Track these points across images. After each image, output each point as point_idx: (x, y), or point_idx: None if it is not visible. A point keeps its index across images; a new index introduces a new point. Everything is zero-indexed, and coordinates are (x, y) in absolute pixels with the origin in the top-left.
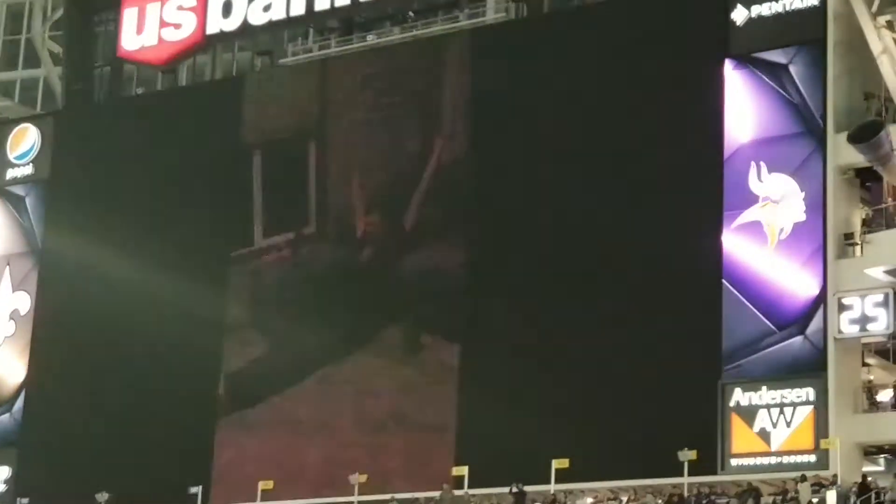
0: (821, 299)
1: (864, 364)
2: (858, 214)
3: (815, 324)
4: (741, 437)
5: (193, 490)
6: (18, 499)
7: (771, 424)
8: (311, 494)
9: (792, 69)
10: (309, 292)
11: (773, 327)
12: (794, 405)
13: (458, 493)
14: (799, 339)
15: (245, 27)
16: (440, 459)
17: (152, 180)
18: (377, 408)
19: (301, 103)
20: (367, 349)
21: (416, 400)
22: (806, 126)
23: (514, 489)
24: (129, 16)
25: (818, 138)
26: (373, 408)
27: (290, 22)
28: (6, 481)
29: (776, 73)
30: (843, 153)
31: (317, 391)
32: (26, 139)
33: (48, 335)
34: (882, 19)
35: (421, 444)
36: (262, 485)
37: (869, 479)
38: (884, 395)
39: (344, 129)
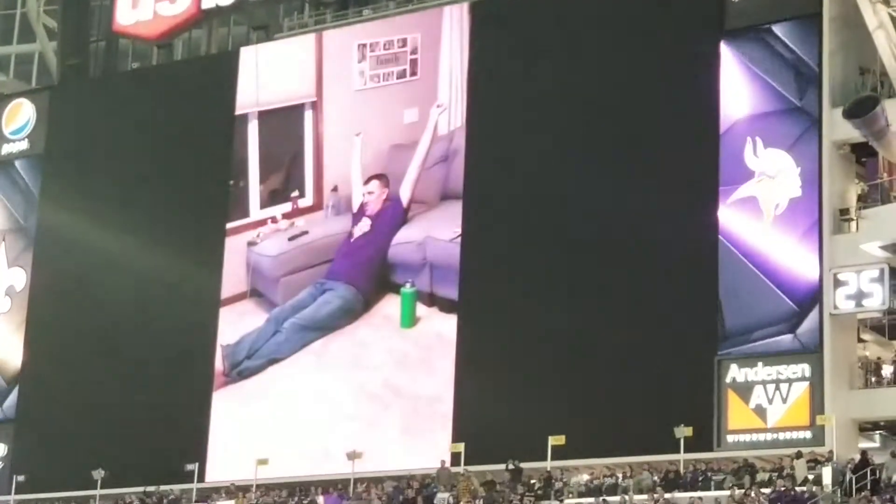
0: (815, 300)
1: (860, 340)
2: (854, 190)
3: (808, 324)
4: (737, 414)
5: (190, 467)
6: (15, 476)
7: (767, 401)
8: (307, 468)
9: (787, 44)
10: (305, 263)
11: (768, 293)
12: (789, 381)
13: (454, 469)
14: (789, 337)
15: (240, 1)
16: (437, 433)
17: (148, 155)
18: (373, 380)
19: (297, 75)
20: (363, 321)
21: (413, 372)
22: (801, 101)
23: (511, 466)
24: None
25: (814, 114)
26: (369, 380)
27: None
28: (3, 458)
29: (772, 48)
30: (839, 128)
31: (313, 363)
32: (21, 114)
33: (44, 311)
34: None
35: (417, 417)
36: (257, 458)
37: (869, 455)
38: (886, 371)
39: (340, 100)
